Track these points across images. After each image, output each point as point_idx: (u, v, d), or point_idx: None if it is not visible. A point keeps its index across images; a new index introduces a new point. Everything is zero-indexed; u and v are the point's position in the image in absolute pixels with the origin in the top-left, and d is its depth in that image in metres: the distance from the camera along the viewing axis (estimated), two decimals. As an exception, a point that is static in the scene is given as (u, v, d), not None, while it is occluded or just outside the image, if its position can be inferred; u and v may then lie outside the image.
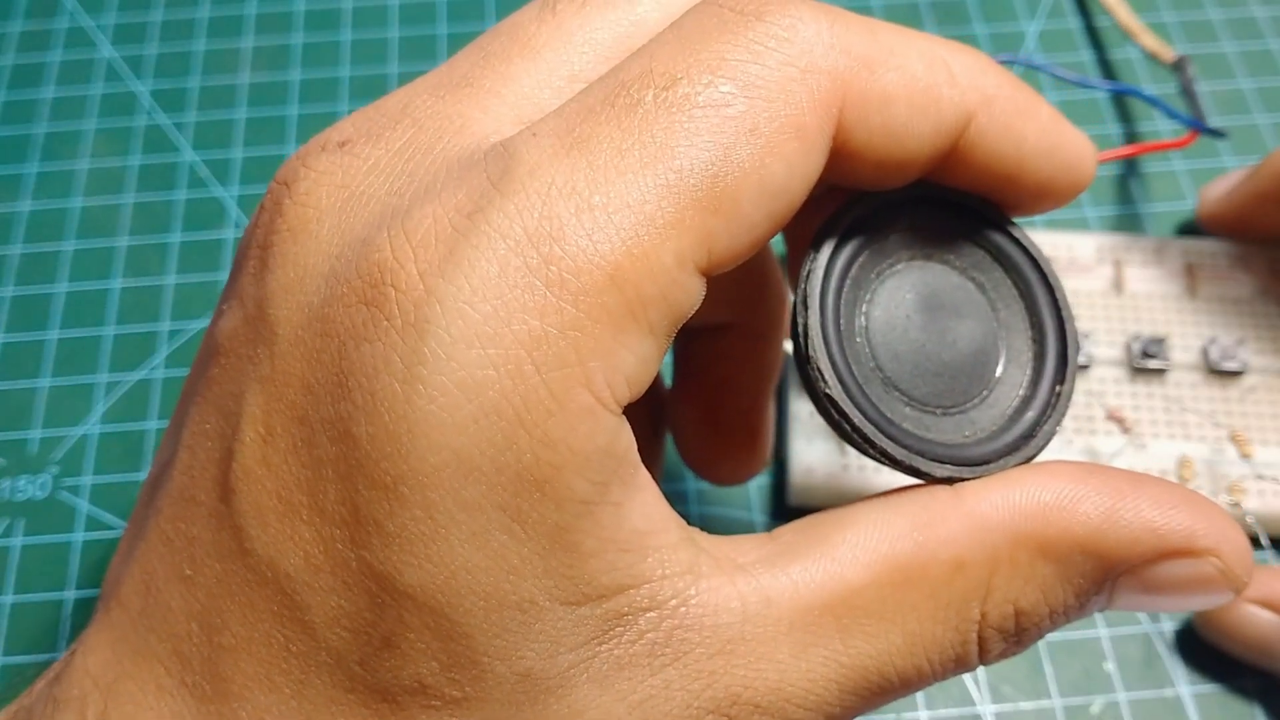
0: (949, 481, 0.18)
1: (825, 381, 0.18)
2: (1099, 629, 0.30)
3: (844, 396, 0.18)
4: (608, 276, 0.15)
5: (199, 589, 0.16)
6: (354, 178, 0.17)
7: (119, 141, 0.39)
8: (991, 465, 0.19)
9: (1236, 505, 0.29)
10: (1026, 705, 0.29)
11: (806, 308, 0.18)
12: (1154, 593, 0.18)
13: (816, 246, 0.19)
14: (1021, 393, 0.20)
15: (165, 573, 0.17)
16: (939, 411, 0.19)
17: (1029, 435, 0.19)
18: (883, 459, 0.18)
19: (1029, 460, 0.19)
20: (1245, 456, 0.30)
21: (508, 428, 0.15)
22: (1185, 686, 0.29)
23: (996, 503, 0.17)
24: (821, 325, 0.18)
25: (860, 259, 0.19)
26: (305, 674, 0.16)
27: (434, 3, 0.42)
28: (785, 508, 0.31)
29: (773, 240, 0.19)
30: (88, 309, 0.35)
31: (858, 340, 0.19)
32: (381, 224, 0.16)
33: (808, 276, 0.19)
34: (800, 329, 0.18)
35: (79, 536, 0.31)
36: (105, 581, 0.19)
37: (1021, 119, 0.18)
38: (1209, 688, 0.29)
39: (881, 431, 0.18)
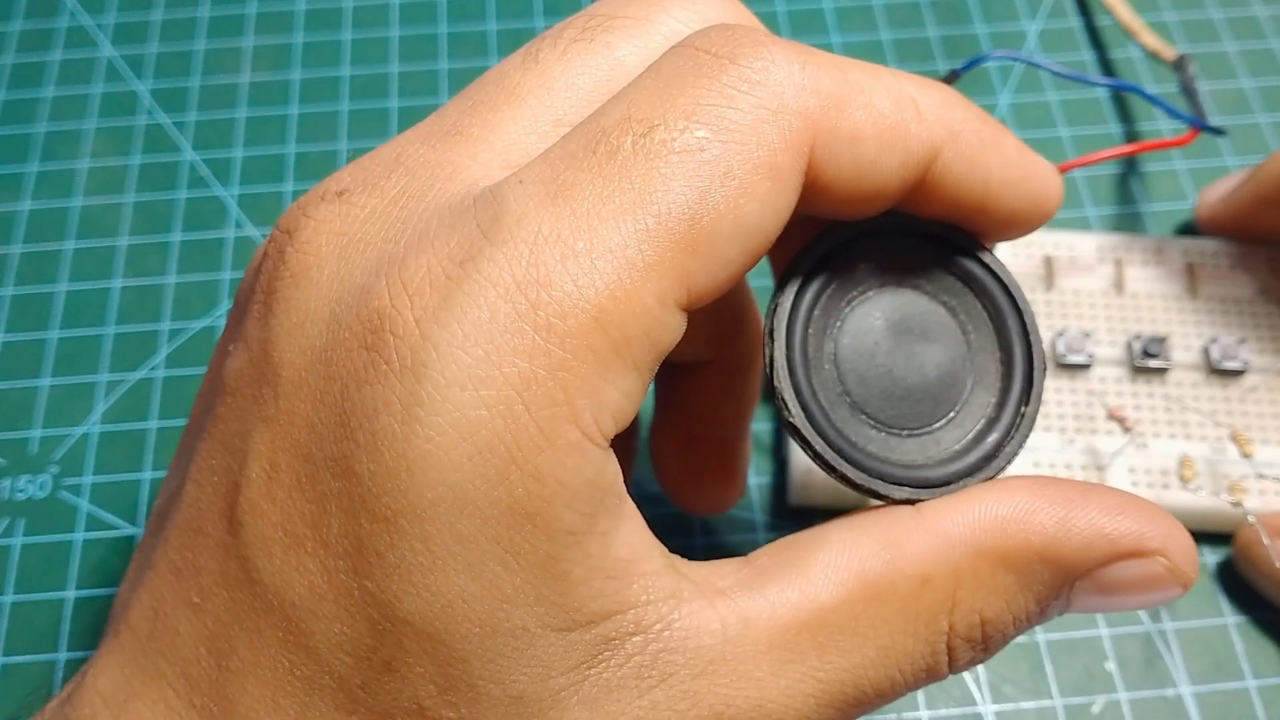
0: (909, 503, 0.19)
1: (789, 410, 0.19)
2: (1100, 629, 0.30)
3: (806, 424, 0.19)
4: (593, 319, 0.16)
5: (207, 615, 0.17)
6: (352, 225, 0.18)
7: (119, 141, 0.39)
8: (952, 486, 0.19)
9: (1238, 504, 0.29)
10: (1028, 705, 0.29)
11: (773, 340, 0.19)
12: (1108, 593, 0.19)
13: (785, 280, 0.20)
14: (987, 414, 0.20)
15: (173, 600, 0.18)
16: (904, 433, 0.20)
17: (991, 456, 0.20)
18: (843, 482, 0.19)
19: (989, 480, 0.20)
20: (1246, 456, 0.30)
21: (500, 464, 0.16)
22: (1186, 686, 0.29)
23: (957, 519, 0.18)
24: (787, 356, 0.19)
25: (830, 289, 0.20)
26: (309, 696, 0.16)
27: (434, 2, 0.42)
28: (786, 507, 0.31)
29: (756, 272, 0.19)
30: (88, 309, 0.35)
31: (826, 367, 0.20)
32: (379, 271, 0.17)
33: (775, 311, 0.20)
34: (767, 360, 0.19)
35: (79, 536, 0.31)
36: (114, 606, 0.20)
37: (987, 152, 0.19)
38: (1210, 687, 0.29)
39: (842, 456, 0.19)
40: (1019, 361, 0.20)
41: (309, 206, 0.18)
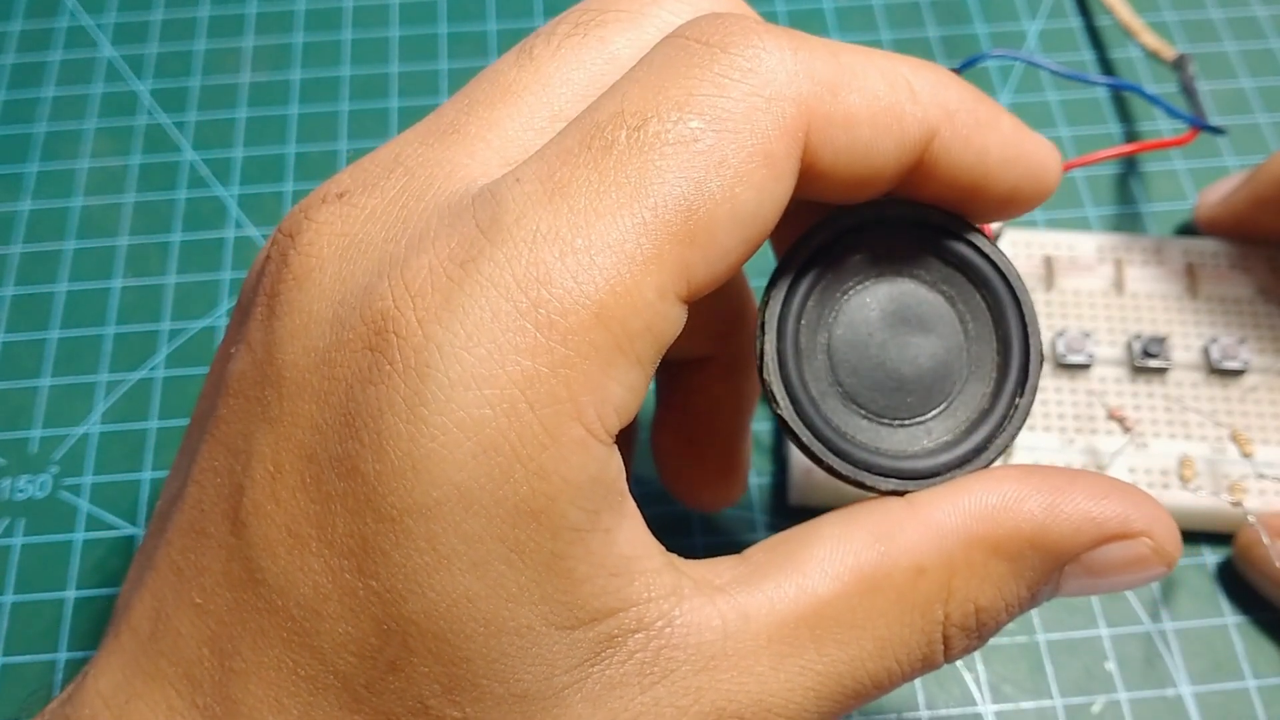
0: (898, 494, 0.19)
1: (778, 402, 0.19)
2: (1099, 628, 0.30)
3: (794, 416, 0.19)
4: (594, 315, 0.16)
5: (210, 616, 0.17)
6: (353, 226, 0.18)
7: (119, 141, 0.39)
8: (941, 477, 0.19)
9: (1238, 504, 0.29)
10: (1028, 705, 0.29)
11: (764, 332, 0.19)
12: (1097, 576, 0.19)
13: (778, 273, 0.20)
14: (981, 405, 0.20)
15: (176, 600, 0.18)
16: (896, 424, 0.20)
17: (982, 448, 0.20)
18: (830, 474, 0.19)
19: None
20: (1246, 455, 0.30)
21: (505, 462, 0.16)
22: (1186, 686, 0.29)
23: (949, 510, 0.18)
24: (778, 348, 0.19)
25: (825, 280, 0.20)
26: (313, 696, 0.16)
27: (434, 2, 0.42)
28: (786, 507, 0.31)
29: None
30: (88, 309, 0.35)
31: (818, 358, 0.20)
32: (381, 272, 0.17)
33: (767, 303, 0.20)
34: (758, 352, 0.19)
35: (79, 536, 0.31)
36: (115, 607, 0.20)
37: (983, 131, 0.19)
38: (1210, 687, 0.29)
39: (829, 448, 0.19)
40: (1016, 353, 0.20)
41: (310, 209, 0.18)
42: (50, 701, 0.19)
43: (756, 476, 0.32)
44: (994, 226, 0.32)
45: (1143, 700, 0.29)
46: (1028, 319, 0.20)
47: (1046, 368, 0.32)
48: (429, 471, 0.16)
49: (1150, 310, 0.33)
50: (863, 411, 0.20)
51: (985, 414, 0.20)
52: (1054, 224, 0.36)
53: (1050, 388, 0.31)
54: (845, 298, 0.20)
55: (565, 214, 0.16)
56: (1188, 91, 0.33)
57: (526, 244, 0.16)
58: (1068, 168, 0.27)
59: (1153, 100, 0.33)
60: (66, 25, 0.41)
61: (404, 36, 0.41)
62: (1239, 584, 0.30)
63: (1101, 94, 0.39)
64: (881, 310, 0.20)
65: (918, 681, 0.29)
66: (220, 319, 0.35)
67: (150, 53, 0.41)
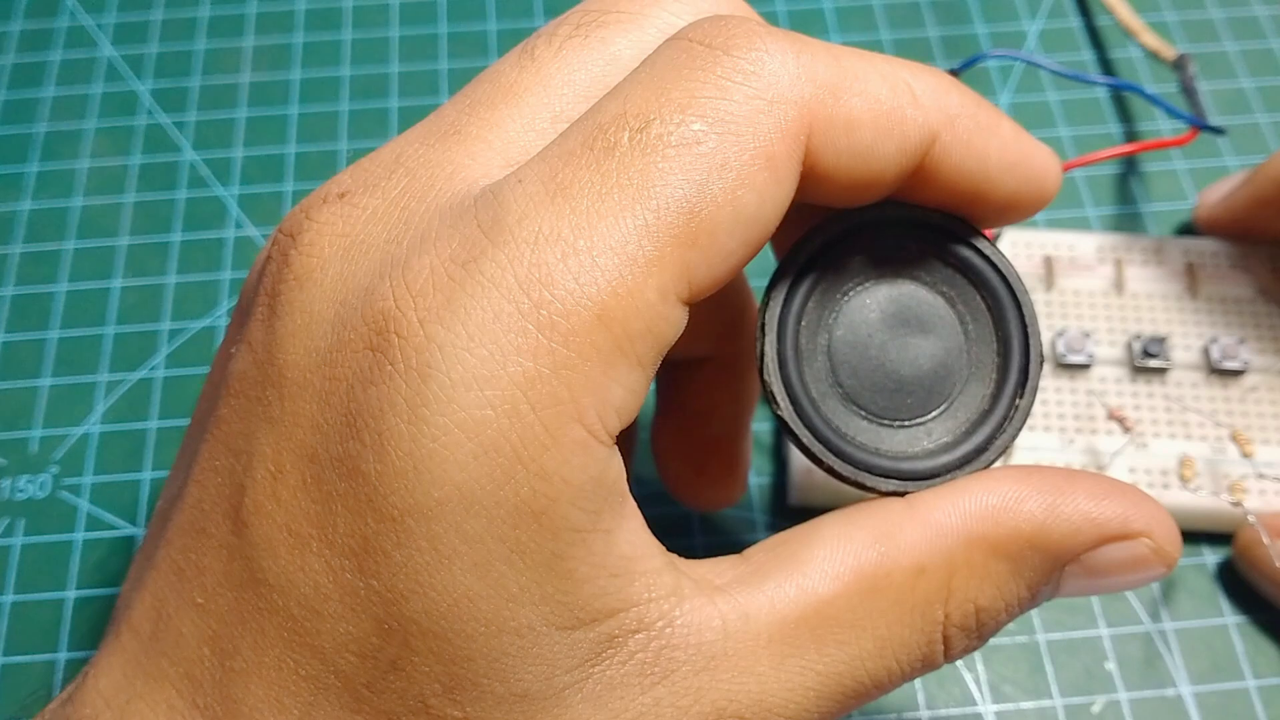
0: (898, 494, 0.19)
1: (777, 403, 0.19)
2: (1099, 628, 0.30)
3: (794, 417, 0.19)
4: (595, 317, 0.16)
5: (211, 616, 0.17)
6: (354, 226, 0.18)
7: (119, 141, 0.39)
8: (941, 478, 0.19)
9: (1238, 504, 0.29)
10: (1028, 705, 0.29)
11: (764, 333, 0.19)
12: (1096, 576, 0.19)
13: (779, 274, 0.20)
14: (981, 406, 0.20)
15: (177, 600, 0.18)
16: (895, 425, 0.20)
17: (982, 449, 0.20)
18: (830, 474, 0.19)
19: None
20: (1246, 455, 0.30)
21: (506, 463, 0.16)
22: (1186, 686, 0.29)
23: (949, 510, 0.18)
24: (778, 350, 0.19)
25: (826, 281, 0.20)
26: (314, 696, 0.17)
27: (434, 2, 0.42)
28: (786, 507, 0.31)
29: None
30: (88, 309, 0.35)
31: (819, 359, 0.20)
32: (383, 272, 0.17)
33: (768, 304, 0.20)
34: (758, 354, 0.19)
35: (79, 536, 0.31)
36: (116, 607, 0.20)
37: (984, 136, 0.19)
38: (1210, 687, 0.29)
39: (829, 448, 0.19)
40: (1016, 354, 0.20)
41: (311, 209, 0.18)
42: (50, 701, 0.19)
43: (756, 476, 0.32)
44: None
45: (1143, 700, 0.29)
46: (1028, 320, 0.20)
47: (1046, 368, 0.32)
48: (430, 472, 0.16)
49: (1150, 310, 0.33)
50: (863, 412, 0.20)
51: (985, 415, 0.20)
52: (1054, 224, 0.36)
53: (1050, 388, 0.31)
54: (845, 299, 0.20)
55: (567, 215, 0.16)
56: (1188, 91, 0.33)
57: (528, 245, 0.16)
58: (1068, 168, 0.27)
59: (1153, 100, 0.33)
60: (66, 25, 0.41)
61: (404, 36, 0.41)
62: (1239, 584, 0.30)
63: (1101, 94, 0.39)
64: (882, 311, 0.20)
65: (918, 681, 0.29)
66: (220, 319, 0.35)
67: (150, 53, 0.41)
